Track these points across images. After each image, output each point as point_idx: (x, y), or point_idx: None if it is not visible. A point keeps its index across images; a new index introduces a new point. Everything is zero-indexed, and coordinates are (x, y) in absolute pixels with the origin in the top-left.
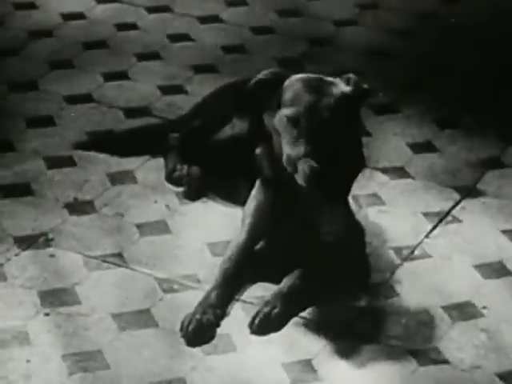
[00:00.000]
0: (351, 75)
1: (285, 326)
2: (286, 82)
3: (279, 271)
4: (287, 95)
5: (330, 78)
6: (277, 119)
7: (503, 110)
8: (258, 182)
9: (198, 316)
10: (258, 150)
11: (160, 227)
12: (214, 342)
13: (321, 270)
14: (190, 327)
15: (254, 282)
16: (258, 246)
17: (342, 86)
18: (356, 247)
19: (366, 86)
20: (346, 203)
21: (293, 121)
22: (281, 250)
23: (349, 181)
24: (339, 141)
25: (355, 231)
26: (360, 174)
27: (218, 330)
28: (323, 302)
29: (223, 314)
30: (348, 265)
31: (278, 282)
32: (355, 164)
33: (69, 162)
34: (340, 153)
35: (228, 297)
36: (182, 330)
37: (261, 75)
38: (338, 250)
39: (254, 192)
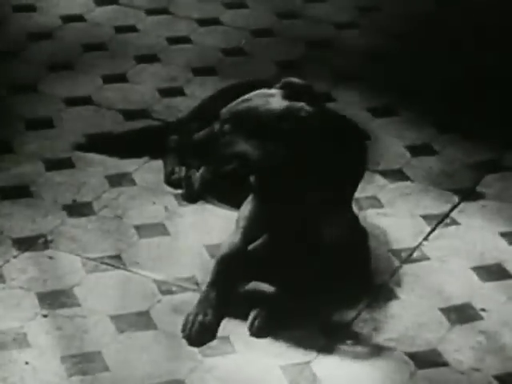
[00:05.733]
0: (300, 104)
1: (284, 328)
2: None
3: (276, 272)
4: None
5: (278, 99)
6: None
7: (502, 112)
8: None
9: (200, 317)
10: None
11: (158, 229)
12: (213, 343)
13: (320, 273)
14: (193, 329)
15: (250, 281)
16: (253, 246)
17: (271, 105)
18: (357, 251)
19: (303, 114)
20: (349, 207)
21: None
22: (277, 251)
23: (351, 185)
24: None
25: (357, 235)
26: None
27: (217, 332)
28: (322, 304)
29: (223, 314)
30: (348, 267)
31: (274, 282)
32: (356, 169)
33: (68, 163)
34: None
35: (227, 296)
36: (184, 331)
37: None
38: (338, 253)
39: (251, 195)
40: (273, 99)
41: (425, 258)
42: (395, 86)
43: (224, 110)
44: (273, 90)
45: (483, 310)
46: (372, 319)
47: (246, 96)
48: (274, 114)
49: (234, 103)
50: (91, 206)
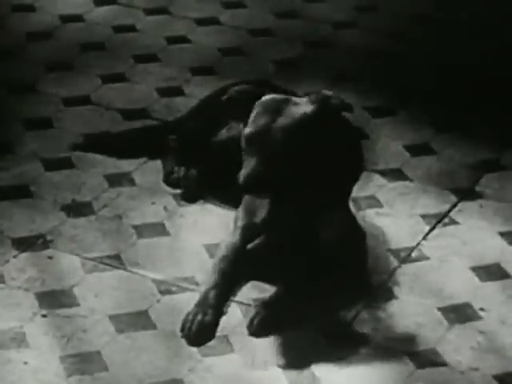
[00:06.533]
0: (324, 92)
1: (283, 327)
2: (256, 102)
3: (275, 271)
4: (251, 116)
5: (296, 99)
6: (241, 138)
7: (501, 112)
8: None
9: (199, 317)
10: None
11: (158, 229)
12: (212, 343)
13: (319, 272)
14: (193, 329)
15: (249, 281)
16: (252, 246)
17: (304, 107)
18: (355, 250)
19: (335, 101)
20: (347, 206)
21: (248, 141)
22: (276, 251)
23: (348, 184)
24: (302, 159)
25: (355, 234)
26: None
27: (217, 332)
28: (321, 304)
29: (222, 313)
30: (346, 267)
31: (273, 281)
32: (354, 168)
33: (67, 163)
34: (310, 169)
35: (226, 296)
36: (183, 331)
37: (232, 92)
38: (336, 253)
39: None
40: (296, 101)
41: (424, 257)
42: (394, 86)
43: (264, 130)
44: (277, 96)
45: (482, 309)
46: (371, 319)
47: (266, 109)
48: (312, 114)
49: (262, 123)
50: (91, 205)
